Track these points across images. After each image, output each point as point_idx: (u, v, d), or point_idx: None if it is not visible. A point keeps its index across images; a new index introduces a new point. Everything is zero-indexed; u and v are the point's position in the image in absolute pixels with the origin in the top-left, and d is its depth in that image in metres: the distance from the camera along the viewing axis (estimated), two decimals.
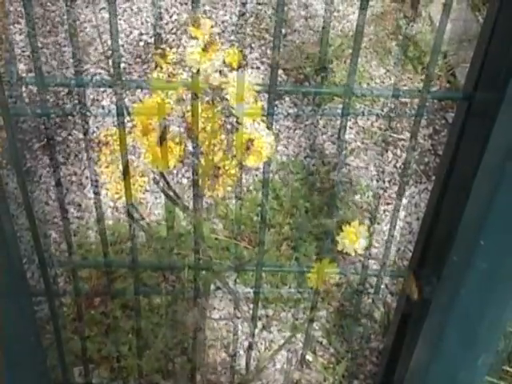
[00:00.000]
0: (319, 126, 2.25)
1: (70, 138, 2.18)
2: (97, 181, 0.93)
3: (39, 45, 2.29)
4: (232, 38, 2.51)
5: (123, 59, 2.42)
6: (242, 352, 1.60)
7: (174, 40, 2.49)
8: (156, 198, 2.01)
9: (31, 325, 1.03)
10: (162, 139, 0.82)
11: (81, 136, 2.17)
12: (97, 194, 0.95)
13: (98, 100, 2.29)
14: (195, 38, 0.75)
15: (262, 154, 0.80)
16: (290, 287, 1.82)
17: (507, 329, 1.05)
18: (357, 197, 2.06)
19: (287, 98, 2.34)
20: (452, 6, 0.81)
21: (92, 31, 2.51)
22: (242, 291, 1.63)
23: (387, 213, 2.03)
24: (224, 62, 0.78)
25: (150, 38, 2.49)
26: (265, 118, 0.83)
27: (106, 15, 0.90)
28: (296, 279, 1.82)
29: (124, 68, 2.39)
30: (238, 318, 1.09)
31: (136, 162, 0.92)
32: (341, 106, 0.90)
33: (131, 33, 2.53)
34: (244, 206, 1.90)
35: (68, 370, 1.20)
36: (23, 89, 0.92)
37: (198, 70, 0.77)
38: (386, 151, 2.20)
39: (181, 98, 0.80)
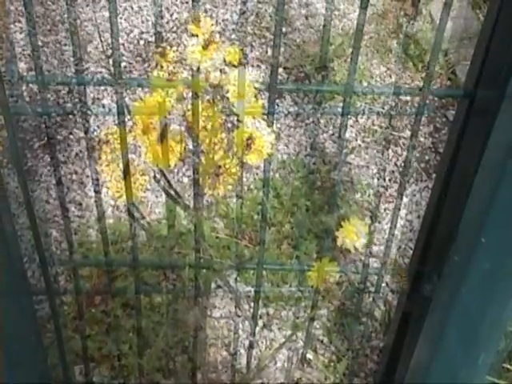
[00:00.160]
0: (320, 125, 2.25)
1: (70, 136, 2.18)
2: (97, 179, 0.93)
3: (39, 43, 2.29)
4: (233, 36, 2.51)
5: (124, 58, 2.42)
6: (242, 350, 1.60)
7: (174, 39, 2.49)
8: (157, 196, 2.01)
9: (32, 324, 1.03)
10: (162, 137, 0.82)
11: (81, 135, 2.17)
12: (97, 192, 0.95)
13: (98, 99, 2.29)
14: (195, 35, 0.75)
15: (262, 151, 0.80)
16: (290, 286, 1.82)
17: (508, 328, 1.05)
18: (357, 195, 2.05)
19: (288, 97, 2.33)
20: (452, 3, 0.81)
21: (92, 30, 2.51)
22: (242, 290, 1.63)
23: (388, 211, 2.03)
24: (224, 61, 0.78)
25: (151, 36, 2.49)
26: (265, 116, 0.83)
27: (107, 14, 0.89)
28: (297, 277, 1.82)
29: (124, 66, 2.39)
30: (239, 316, 1.09)
31: (137, 160, 0.92)
32: (341, 104, 0.90)
33: (132, 31, 2.53)
34: (245, 205, 1.90)
35: (69, 369, 1.20)
36: (24, 87, 0.92)
37: (199, 68, 0.77)
38: (387, 149, 2.20)
39: (181, 97, 0.80)
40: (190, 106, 0.82)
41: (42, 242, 0.99)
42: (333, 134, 2.23)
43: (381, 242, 1.89)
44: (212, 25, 0.77)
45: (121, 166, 0.87)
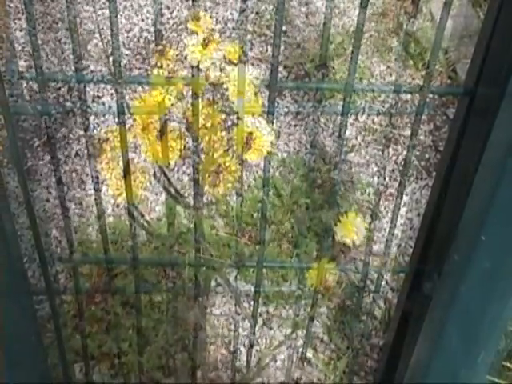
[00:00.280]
0: (320, 123, 2.25)
1: (70, 135, 2.18)
2: (97, 177, 0.93)
3: (39, 41, 2.29)
4: (233, 34, 2.51)
5: (123, 56, 2.41)
6: (242, 349, 1.60)
7: (174, 37, 2.49)
8: (157, 194, 2.01)
9: (32, 323, 1.03)
10: (161, 134, 0.82)
11: (81, 133, 2.17)
12: (97, 190, 0.95)
13: (98, 97, 2.29)
14: (194, 32, 0.75)
15: (261, 149, 0.80)
16: (290, 284, 1.82)
17: (508, 328, 1.05)
18: (357, 193, 2.05)
19: (288, 95, 2.33)
20: (453, 1, 0.81)
21: (92, 27, 2.51)
22: (242, 288, 1.63)
23: (388, 209, 2.03)
24: (224, 58, 0.78)
25: (151, 34, 2.49)
26: (265, 114, 0.83)
27: (107, 11, 0.89)
28: (297, 276, 1.82)
29: (124, 64, 2.39)
30: (239, 314, 1.09)
31: (137, 158, 0.92)
32: (341, 102, 0.90)
33: (131, 29, 2.53)
34: (245, 203, 1.90)
35: (69, 369, 1.20)
36: (24, 85, 0.92)
37: (198, 66, 0.77)
38: (387, 147, 2.20)
39: (181, 95, 0.80)
40: (189, 104, 0.82)
41: (42, 241, 0.99)
42: (333, 132, 2.23)
43: (381, 241, 1.89)
44: (212, 23, 0.76)
45: (121, 164, 0.87)
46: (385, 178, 2.11)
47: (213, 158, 0.84)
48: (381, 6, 2.63)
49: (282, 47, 2.43)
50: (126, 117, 0.86)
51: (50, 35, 2.47)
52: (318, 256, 0.99)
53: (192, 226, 0.97)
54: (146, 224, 0.98)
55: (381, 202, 2.02)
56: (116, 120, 0.86)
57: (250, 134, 0.80)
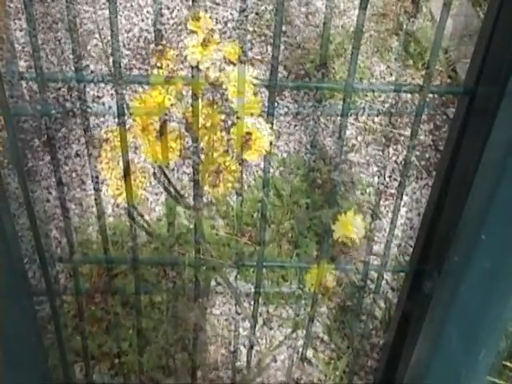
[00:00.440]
0: (320, 122, 2.25)
1: (70, 134, 2.18)
2: (97, 177, 0.93)
3: (39, 41, 2.29)
4: (232, 34, 2.51)
5: (123, 56, 2.41)
6: (242, 348, 1.60)
7: (174, 36, 2.49)
8: (156, 194, 2.01)
9: (32, 324, 1.03)
10: (161, 134, 0.82)
11: (81, 133, 2.17)
12: (97, 190, 0.95)
13: (98, 97, 2.29)
14: (194, 33, 0.75)
15: (261, 149, 0.80)
16: (290, 284, 1.82)
17: (509, 328, 1.05)
18: (358, 193, 2.05)
19: (288, 95, 2.33)
20: (452, 1, 0.81)
21: (92, 28, 2.51)
22: (242, 288, 1.63)
23: (388, 209, 2.03)
24: (224, 58, 0.78)
25: (151, 34, 2.49)
26: (263, 113, 0.83)
27: (106, 11, 0.89)
28: (297, 276, 1.82)
29: (124, 64, 2.39)
30: (239, 314, 1.09)
31: (137, 158, 0.92)
32: (341, 102, 0.90)
33: (131, 29, 2.53)
34: (245, 203, 1.90)
35: (69, 369, 1.20)
36: (24, 85, 0.92)
37: (198, 66, 0.77)
38: (387, 147, 2.20)
39: (180, 94, 0.80)
40: (189, 104, 0.82)
41: (43, 242, 0.99)
42: (333, 132, 2.23)
43: (381, 240, 1.89)
44: (211, 23, 0.76)
45: (121, 164, 0.87)
46: (385, 178, 2.11)
47: (212, 158, 0.84)
48: (381, 5, 2.63)
49: (282, 47, 2.43)
50: (125, 117, 0.86)
51: (50, 35, 2.47)
52: (317, 257, 0.99)
53: (192, 226, 0.97)
54: (145, 224, 0.98)
55: (381, 202, 2.02)
56: (116, 120, 0.86)
57: (250, 134, 0.80)
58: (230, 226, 1.91)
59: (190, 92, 0.81)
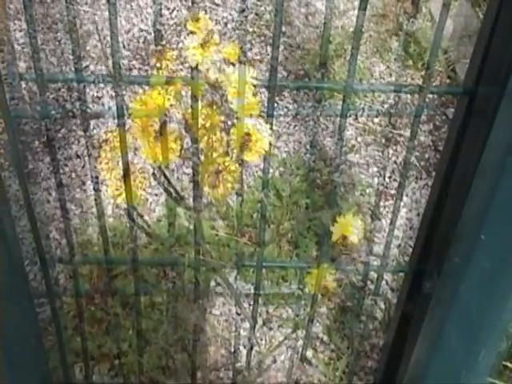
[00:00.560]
0: (319, 122, 2.25)
1: (70, 135, 2.18)
2: (97, 178, 0.93)
3: (39, 42, 2.29)
4: (232, 34, 2.51)
5: (123, 56, 2.42)
6: (242, 348, 1.60)
7: (173, 37, 2.49)
8: (156, 195, 2.01)
9: (32, 325, 1.03)
10: (161, 135, 0.82)
11: (81, 133, 2.17)
12: (97, 191, 0.95)
13: (98, 98, 2.29)
14: (193, 33, 0.75)
15: (260, 149, 0.80)
16: (290, 284, 1.82)
17: (509, 329, 1.05)
18: (357, 194, 2.06)
19: (287, 95, 2.33)
20: (452, 2, 0.81)
21: (92, 28, 2.51)
22: (242, 289, 1.63)
23: (388, 209, 2.03)
24: (224, 59, 0.78)
25: (150, 35, 2.49)
26: (263, 114, 0.83)
27: (106, 12, 0.89)
28: (297, 276, 1.82)
29: (124, 65, 2.39)
30: (239, 314, 1.09)
31: (137, 159, 0.92)
32: (341, 102, 0.90)
33: (131, 30, 2.53)
34: (245, 204, 1.90)
35: (69, 370, 1.20)
36: (23, 86, 0.92)
37: (197, 67, 0.77)
38: (387, 148, 2.20)
39: (180, 95, 0.80)
40: (188, 105, 0.82)
41: (43, 244, 0.99)
42: (333, 133, 2.23)
43: (381, 241, 1.89)
44: (211, 24, 0.76)
45: (120, 164, 0.87)
46: (384, 179, 2.11)
47: (212, 159, 0.84)
48: (380, 6, 2.63)
49: (282, 48, 2.43)
50: (125, 118, 0.86)
51: (50, 36, 2.47)
52: (317, 257, 0.99)
53: (192, 226, 0.97)
54: (145, 225, 0.98)
55: (381, 203, 2.02)
56: (116, 121, 0.86)
57: (249, 135, 0.80)
58: (229, 227, 1.91)
59: (190, 93, 0.81)
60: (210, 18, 0.77)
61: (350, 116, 2.25)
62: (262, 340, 1.72)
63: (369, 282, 1.68)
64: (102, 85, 2.27)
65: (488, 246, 0.85)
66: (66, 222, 1.01)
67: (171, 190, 0.91)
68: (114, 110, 0.87)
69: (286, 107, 2.30)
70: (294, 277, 1.82)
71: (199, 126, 0.83)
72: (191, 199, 0.92)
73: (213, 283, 1.62)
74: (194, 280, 1.04)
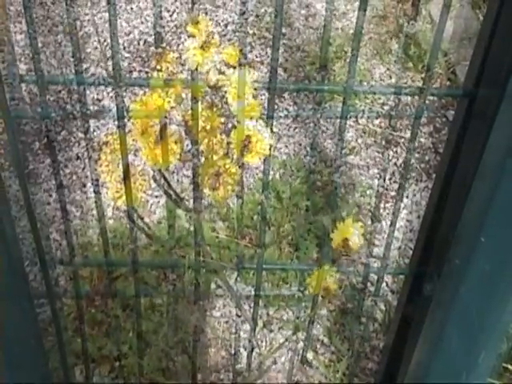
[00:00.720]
0: (320, 124, 2.25)
1: (71, 137, 2.18)
2: (97, 180, 0.93)
3: (39, 44, 2.29)
4: (232, 37, 2.51)
5: (123, 58, 2.42)
6: (242, 350, 1.60)
7: (173, 39, 2.49)
8: (157, 197, 2.01)
9: (32, 327, 1.03)
10: (161, 137, 0.82)
11: (81, 135, 2.17)
12: (97, 193, 0.95)
13: (98, 100, 2.30)
14: (193, 36, 0.75)
15: (260, 152, 0.80)
16: (290, 286, 1.82)
17: (509, 331, 1.05)
18: (357, 196, 2.06)
19: (288, 97, 2.34)
20: (452, 4, 0.81)
21: (92, 30, 2.52)
22: (242, 290, 1.63)
23: (388, 211, 2.03)
24: (224, 61, 0.78)
25: (151, 36, 2.49)
26: (263, 116, 0.83)
27: (106, 14, 0.90)
28: (297, 278, 1.82)
29: (124, 67, 2.39)
30: (239, 316, 1.09)
31: (137, 161, 0.92)
32: (341, 104, 0.90)
33: (131, 32, 2.53)
34: (245, 205, 1.90)
35: (69, 371, 1.20)
36: (24, 89, 0.92)
37: (197, 69, 0.77)
38: (387, 150, 2.20)
39: (180, 97, 0.80)
40: (189, 107, 0.82)
41: (43, 245, 0.99)
42: (333, 135, 2.23)
43: (381, 243, 1.89)
44: (210, 25, 0.77)
45: (120, 167, 0.87)
46: (385, 181, 2.11)
47: (212, 161, 0.84)
48: (381, 8, 2.64)
49: (282, 50, 2.43)
50: (125, 120, 0.86)
51: (50, 38, 2.48)
52: (317, 259, 0.99)
53: (192, 228, 0.97)
54: (145, 227, 0.98)
55: (381, 205, 2.02)
56: (116, 123, 0.86)
57: (249, 137, 0.80)
58: (230, 229, 1.91)
59: (190, 95, 0.81)
60: (210, 19, 0.77)
61: (350, 118, 2.25)
62: (262, 342, 1.72)
63: (369, 284, 1.68)
64: (102, 87, 2.27)
65: (488, 248, 0.85)
66: (66, 223, 1.02)
67: (171, 193, 0.91)
68: (114, 112, 0.87)
69: (286, 109, 2.30)
70: (294, 279, 1.82)
71: (199, 129, 0.83)
72: (191, 201, 0.92)
73: (213, 285, 1.62)
74: (195, 282, 1.04)
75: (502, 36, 0.81)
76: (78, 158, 2.13)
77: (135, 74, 2.39)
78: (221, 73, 0.78)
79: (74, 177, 2.08)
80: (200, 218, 0.94)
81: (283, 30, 2.47)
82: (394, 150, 2.21)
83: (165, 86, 0.79)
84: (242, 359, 1.48)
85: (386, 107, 2.33)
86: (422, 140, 2.23)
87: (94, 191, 0.95)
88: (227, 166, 0.83)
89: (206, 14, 2.54)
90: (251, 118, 0.80)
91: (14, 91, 0.87)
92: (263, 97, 0.84)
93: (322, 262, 0.97)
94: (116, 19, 0.80)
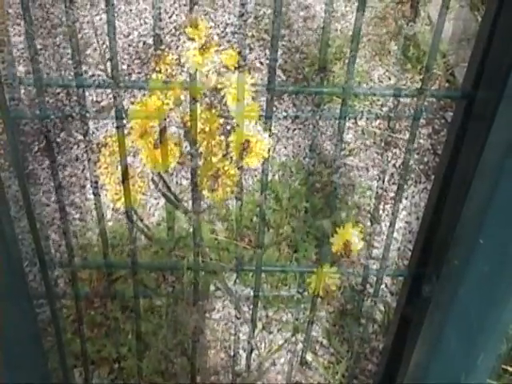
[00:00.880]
0: (319, 126, 2.25)
1: (70, 139, 2.18)
2: (96, 182, 0.93)
3: (38, 46, 2.30)
4: (231, 38, 2.51)
5: (122, 60, 2.42)
6: (242, 352, 1.60)
7: (172, 41, 2.49)
8: (156, 198, 2.01)
9: (32, 327, 1.03)
10: (160, 141, 0.82)
11: (81, 137, 2.17)
12: (96, 195, 0.95)
13: (97, 101, 2.29)
14: (192, 39, 0.75)
15: (259, 155, 0.80)
16: (289, 287, 1.82)
17: (508, 333, 1.05)
18: (356, 197, 2.06)
19: (287, 99, 2.34)
20: (450, 5, 0.81)
21: (91, 33, 2.52)
22: (241, 292, 1.63)
23: (387, 213, 2.03)
24: (223, 64, 0.78)
25: (150, 38, 2.49)
26: (263, 119, 0.83)
27: (105, 16, 0.90)
28: (296, 280, 1.82)
29: (123, 69, 2.39)
30: (238, 318, 1.09)
31: (136, 163, 0.92)
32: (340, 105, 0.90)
33: (130, 34, 2.54)
34: (244, 207, 1.90)
35: (69, 372, 1.20)
36: (22, 91, 0.92)
37: (196, 72, 0.77)
38: (386, 151, 2.20)
39: (179, 100, 0.80)
40: (187, 109, 0.82)
41: (43, 245, 0.99)
42: (332, 136, 2.23)
43: (380, 244, 1.89)
44: (209, 28, 0.77)
45: (119, 168, 0.87)
46: (384, 182, 2.12)
47: (211, 163, 0.84)
48: (380, 10, 2.64)
49: (281, 51, 2.44)
50: (124, 121, 0.86)
51: (49, 40, 2.48)
52: (317, 260, 0.99)
53: (191, 230, 0.97)
54: (145, 228, 0.98)
55: (380, 206, 2.02)
56: (114, 124, 0.86)
57: (248, 140, 0.80)
58: (229, 230, 1.91)
59: (189, 97, 0.81)
60: (212, 21, 0.77)
61: (349, 119, 2.26)
62: (261, 343, 1.72)
63: (368, 286, 1.68)
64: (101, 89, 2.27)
65: (487, 249, 0.85)
66: (65, 225, 1.02)
67: (170, 196, 0.91)
68: (112, 114, 0.87)
69: (286, 110, 2.30)
70: (293, 280, 1.82)
71: (198, 130, 0.83)
72: (190, 202, 0.92)
73: (212, 287, 1.62)
74: (194, 283, 1.04)
75: (500, 37, 0.81)
76: (77, 159, 2.13)
77: (134, 76, 2.39)
78: (220, 74, 0.78)
79: (74, 178, 2.08)
80: (199, 220, 0.94)
81: (282, 32, 2.47)
82: (393, 151, 2.21)
83: (164, 87, 0.79)
84: (241, 361, 1.47)
85: (384, 109, 2.33)
86: (421, 141, 2.23)
87: (93, 193, 0.95)
88: (226, 168, 0.83)
89: (206, 14, 2.54)
90: (250, 121, 0.80)
91: (14, 91, 0.87)
92: (262, 98, 0.84)
93: (322, 263, 0.97)
94: (114, 21, 0.80)
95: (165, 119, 0.81)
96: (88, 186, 2.03)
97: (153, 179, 0.88)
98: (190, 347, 1.16)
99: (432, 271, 0.99)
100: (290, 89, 0.96)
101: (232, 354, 1.64)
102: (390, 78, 2.43)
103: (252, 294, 1.09)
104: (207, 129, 0.83)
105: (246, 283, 1.74)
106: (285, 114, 2.29)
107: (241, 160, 0.81)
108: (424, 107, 0.89)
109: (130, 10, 2.62)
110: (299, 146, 2.20)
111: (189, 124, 0.83)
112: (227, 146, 0.83)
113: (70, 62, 2.17)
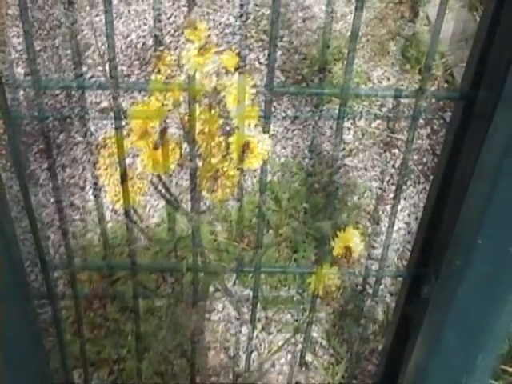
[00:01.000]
0: (318, 127, 2.25)
1: (70, 140, 2.18)
2: (96, 183, 0.93)
3: (37, 48, 2.29)
4: (231, 39, 2.51)
5: (122, 61, 2.42)
6: (241, 353, 1.60)
7: (172, 42, 2.49)
8: (155, 200, 2.01)
9: (32, 327, 1.03)
10: (160, 143, 0.82)
11: (80, 138, 2.17)
12: (96, 196, 0.95)
13: (97, 103, 2.30)
14: (191, 41, 0.75)
15: (258, 157, 0.81)
16: (289, 288, 1.82)
17: (508, 333, 1.05)
18: (355, 197, 2.06)
19: (285, 100, 2.34)
20: (448, 5, 0.81)
21: (90, 34, 2.51)
22: (241, 293, 1.63)
23: (386, 213, 2.03)
24: (222, 66, 0.78)
25: (149, 40, 2.50)
26: (260, 120, 0.83)
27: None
28: (295, 280, 1.82)
29: (122, 70, 2.39)
30: (238, 319, 1.09)
31: (135, 164, 0.92)
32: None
33: (129, 35, 2.54)
34: (243, 208, 1.90)
35: (69, 373, 1.20)
36: (21, 92, 0.92)
37: (195, 74, 0.77)
38: (385, 152, 2.20)
39: (178, 101, 0.80)
40: (186, 110, 0.82)
41: (43, 246, 0.99)
42: (331, 136, 2.23)
43: (379, 245, 1.89)
44: (208, 29, 0.77)
45: (119, 170, 0.87)
46: (383, 183, 2.12)
47: (211, 164, 0.84)
48: (379, 10, 2.64)
49: (280, 52, 2.44)
50: (124, 122, 0.86)
51: (48, 42, 2.48)
52: (317, 261, 0.99)
53: (191, 231, 0.97)
54: (144, 229, 0.98)
55: (379, 207, 2.02)
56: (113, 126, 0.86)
57: (248, 143, 0.80)
58: (228, 231, 1.91)
59: (187, 98, 0.82)
60: (212, 21, 0.77)
61: (348, 120, 2.26)
62: (261, 344, 1.72)
63: (368, 287, 1.68)
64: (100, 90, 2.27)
65: (486, 249, 0.85)
66: (64, 226, 1.02)
67: (169, 197, 0.91)
68: (111, 115, 0.87)
69: (285, 111, 2.30)
70: (293, 281, 1.82)
71: (198, 131, 0.83)
72: (189, 203, 0.93)
73: (212, 288, 1.62)
74: (193, 285, 1.04)
75: (498, 38, 0.81)
76: (77, 160, 2.13)
77: (134, 77, 2.39)
78: (218, 75, 0.79)
79: (74, 179, 2.08)
80: (198, 221, 0.94)
81: (281, 32, 2.47)
82: (392, 151, 2.21)
83: (163, 89, 0.79)
84: (241, 361, 1.48)
85: (384, 109, 2.33)
86: (420, 142, 2.24)
87: (93, 194, 0.95)
88: (225, 169, 0.83)
89: (205, 15, 2.54)
90: (249, 122, 0.80)
91: (15, 92, 0.87)
92: (260, 98, 0.84)
93: (321, 264, 0.97)
94: (113, 22, 0.80)
95: (165, 120, 0.81)
96: (88, 187, 2.03)
97: (152, 181, 0.88)
98: (189, 348, 1.16)
99: (431, 271, 0.99)
100: (290, 90, 0.96)
101: (232, 354, 1.65)
102: (389, 79, 2.43)
103: (251, 294, 1.09)
104: (207, 130, 0.83)
105: (246, 284, 1.74)
106: (284, 114, 2.29)
107: (241, 162, 0.81)
108: (423, 108, 0.89)
109: (129, 12, 2.62)
110: (298, 147, 2.20)
111: (188, 124, 0.83)
112: (227, 147, 0.83)
113: (70, 63, 2.17)
